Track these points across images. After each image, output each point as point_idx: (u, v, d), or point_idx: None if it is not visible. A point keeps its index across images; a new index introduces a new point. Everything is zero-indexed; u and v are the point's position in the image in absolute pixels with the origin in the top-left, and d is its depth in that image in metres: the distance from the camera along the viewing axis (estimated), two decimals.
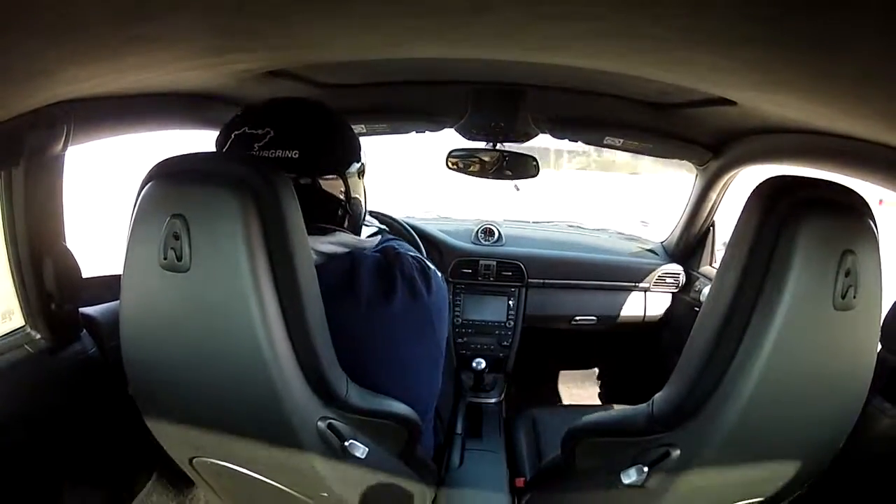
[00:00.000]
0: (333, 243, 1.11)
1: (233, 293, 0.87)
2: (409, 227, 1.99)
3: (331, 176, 1.10)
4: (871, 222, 0.91)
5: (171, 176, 0.90)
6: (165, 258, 0.87)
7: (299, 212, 0.93)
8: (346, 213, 1.15)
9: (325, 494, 1.08)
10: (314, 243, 1.06)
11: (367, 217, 1.38)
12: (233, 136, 1.06)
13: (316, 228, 1.08)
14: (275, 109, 1.11)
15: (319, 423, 0.99)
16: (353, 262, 1.10)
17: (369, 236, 1.26)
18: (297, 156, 1.05)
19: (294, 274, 0.91)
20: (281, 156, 1.04)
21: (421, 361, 1.20)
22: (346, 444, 1.01)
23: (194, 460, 1.11)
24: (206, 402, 0.99)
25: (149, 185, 0.90)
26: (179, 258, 0.86)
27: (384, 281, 1.11)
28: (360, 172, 1.18)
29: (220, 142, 1.08)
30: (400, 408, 1.11)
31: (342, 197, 1.13)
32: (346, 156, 1.14)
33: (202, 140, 1.58)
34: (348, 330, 1.03)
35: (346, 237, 1.13)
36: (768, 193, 0.92)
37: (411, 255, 1.18)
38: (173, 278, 0.88)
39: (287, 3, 0.71)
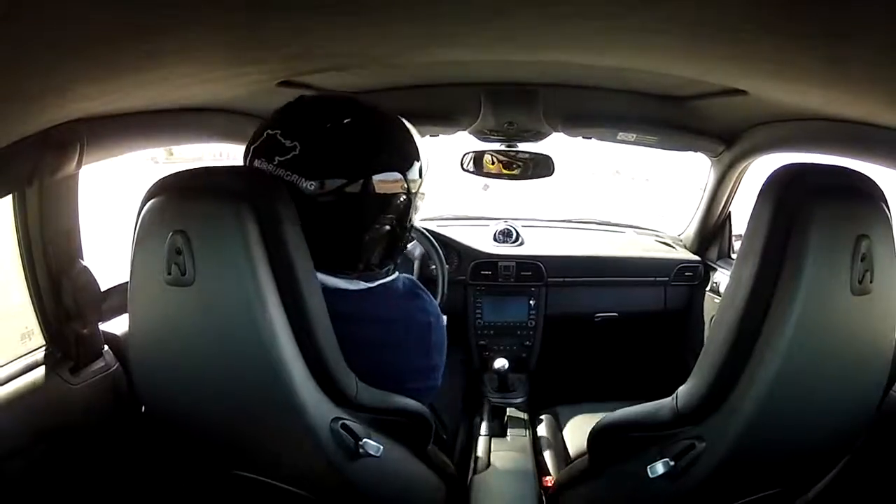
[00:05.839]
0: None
1: (237, 303, 0.89)
2: (426, 234, 1.99)
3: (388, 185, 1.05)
4: (885, 207, 0.92)
5: (170, 192, 0.92)
6: (170, 273, 0.88)
7: (296, 219, 0.94)
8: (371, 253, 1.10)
9: (347, 496, 1.08)
10: (329, 280, 1.07)
11: None
12: (265, 134, 1.02)
13: (337, 270, 1.08)
14: (312, 118, 1.03)
15: (333, 425, 0.99)
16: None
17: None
18: (312, 188, 0.99)
19: (296, 279, 0.92)
20: (295, 182, 0.99)
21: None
22: (361, 443, 1.00)
23: (215, 472, 1.12)
24: (220, 413, 1.00)
25: (149, 202, 0.91)
26: (183, 273, 0.88)
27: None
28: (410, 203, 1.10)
29: (253, 138, 1.04)
30: (411, 404, 1.11)
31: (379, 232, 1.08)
32: (403, 165, 1.06)
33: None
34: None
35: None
36: (782, 181, 0.92)
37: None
38: (178, 293, 0.89)
39: (307, 15, 0.73)
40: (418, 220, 1.19)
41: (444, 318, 1.23)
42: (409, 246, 1.38)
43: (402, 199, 1.07)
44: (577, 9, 0.72)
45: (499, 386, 2.03)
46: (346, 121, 1.02)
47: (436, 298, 1.84)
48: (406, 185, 1.07)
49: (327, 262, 1.06)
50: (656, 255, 2.38)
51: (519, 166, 2.05)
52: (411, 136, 1.11)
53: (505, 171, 2.05)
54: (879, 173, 1.05)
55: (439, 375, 1.20)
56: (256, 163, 1.01)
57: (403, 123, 1.11)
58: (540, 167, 2.05)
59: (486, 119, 1.85)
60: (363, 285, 1.10)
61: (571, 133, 1.91)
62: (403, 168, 1.06)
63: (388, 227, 1.08)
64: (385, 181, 1.04)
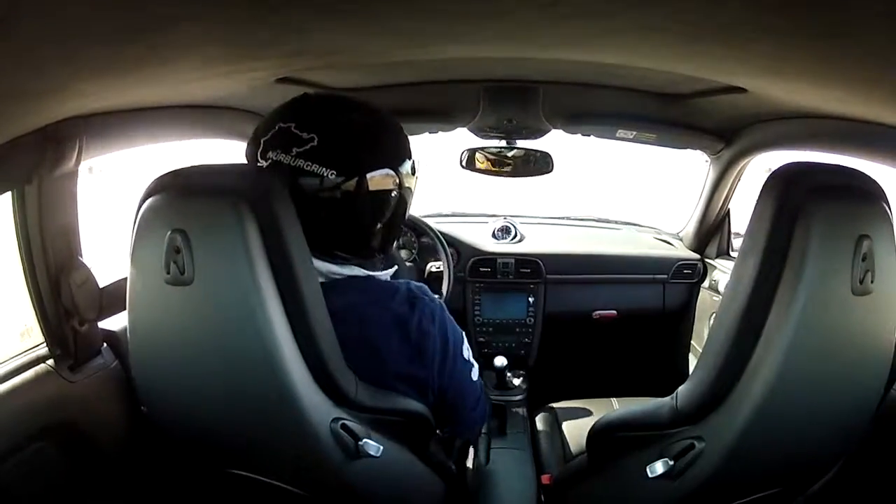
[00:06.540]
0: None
1: (237, 301, 0.89)
2: (433, 229, 1.99)
3: (382, 183, 1.08)
4: (886, 206, 0.92)
5: (168, 191, 0.91)
6: (168, 272, 0.88)
7: (295, 217, 0.94)
8: (370, 238, 1.12)
9: (346, 496, 1.08)
10: (324, 266, 1.07)
11: None
12: (277, 127, 1.03)
13: (333, 254, 1.09)
14: (325, 113, 1.06)
15: (332, 425, 0.99)
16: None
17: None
18: (333, 176, 1.01)
19: (295, 278, 0.92)
20: (316, 171, 1.01)
21: None
22: (360, 443, 1.00)
23: (214, 472, 1.12)
24: (219, 413, 1.00)
25: (148, 200, 0.91)
26: (182, 272, 0.88)
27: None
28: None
29: (260, 132, 1.06)
30: (411, 404, 1.11)
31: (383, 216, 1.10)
32: (395, 162, 1.10)
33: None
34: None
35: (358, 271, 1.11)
36: (783, 180, 0.92)
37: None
38: (177, 292, 0.89)
39: (306, 13, 0.72)
40: (410, 213, 1.22)
41: (466, 341, 1.23)
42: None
43: (394, 195, 1.10)
44: (577, 8, 0.71)
45: (497, 383, 2.03)
46: (356, 117, 1.07)
47: (441, 294, 1.84)
48: (399, 181, 1.10)
49: (326, 248, 1.07)
50: (655, 252, 2.38)
51: (517, 163, 2.05)
52: (404, 133, 1.15)
53: (503, 169, 2.05)
54: (880, 172, 1.05)
55: (436, 396, 1.17)
56: (271, 154, 1.03)
57: (397, 121, 1.15)
58: (539, 164, 2.05)
59: (486, 116, 1.85)
60: (358, 271, 1.11)
61: (571, 130, 1.91)
62: (396, 165, 1.09)
63: (380, 225, 1.11)
64: (379, 177, 1.07)
